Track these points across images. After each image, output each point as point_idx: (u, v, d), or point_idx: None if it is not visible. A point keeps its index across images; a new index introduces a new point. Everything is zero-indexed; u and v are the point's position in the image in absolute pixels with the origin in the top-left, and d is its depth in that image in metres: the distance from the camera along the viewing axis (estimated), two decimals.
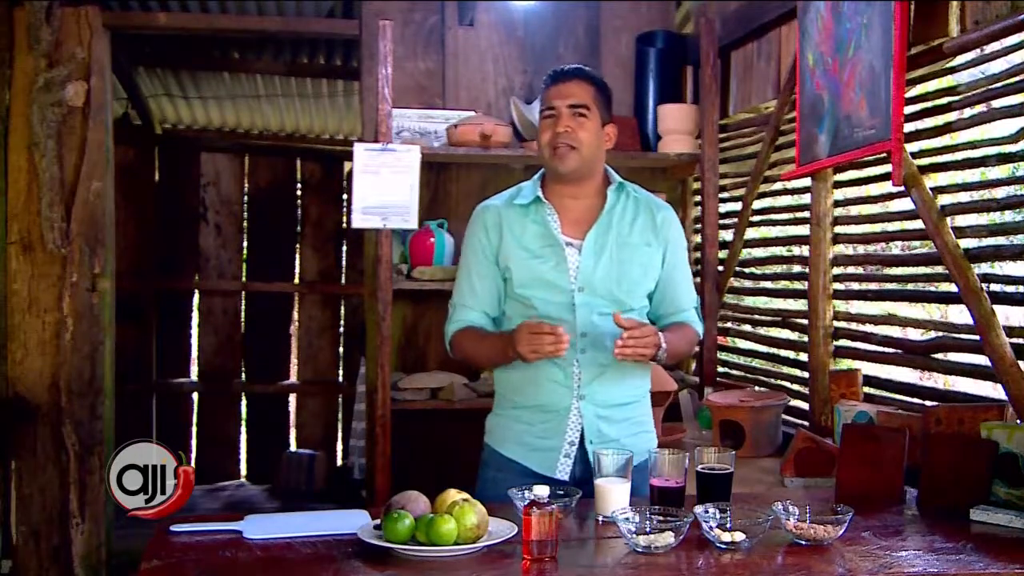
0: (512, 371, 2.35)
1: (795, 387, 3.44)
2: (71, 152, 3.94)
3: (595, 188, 2.39)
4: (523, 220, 2.36)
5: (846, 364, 3.15)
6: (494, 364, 2.40)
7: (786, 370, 3.54)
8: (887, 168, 2.68)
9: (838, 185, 3.11)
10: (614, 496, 1.99)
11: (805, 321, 3.22)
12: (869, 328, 2.99)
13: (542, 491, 1.78)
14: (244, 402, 6.50)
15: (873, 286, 3.03)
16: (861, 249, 3.11)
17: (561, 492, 2.02)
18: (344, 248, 6.53)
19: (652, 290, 2.40)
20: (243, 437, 6.50)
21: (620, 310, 2.27)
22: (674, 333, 2.34)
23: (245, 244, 6.47)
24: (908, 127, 2.65)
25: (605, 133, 2.37)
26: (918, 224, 2.67)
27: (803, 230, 3.33)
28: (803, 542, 1.83)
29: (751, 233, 3.75)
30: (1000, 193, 2.56)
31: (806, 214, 3.23)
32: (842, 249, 3.11)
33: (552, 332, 2.14)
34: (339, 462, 6.36)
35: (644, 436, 2.39)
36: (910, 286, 2.88)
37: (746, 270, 3.82)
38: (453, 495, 1.85)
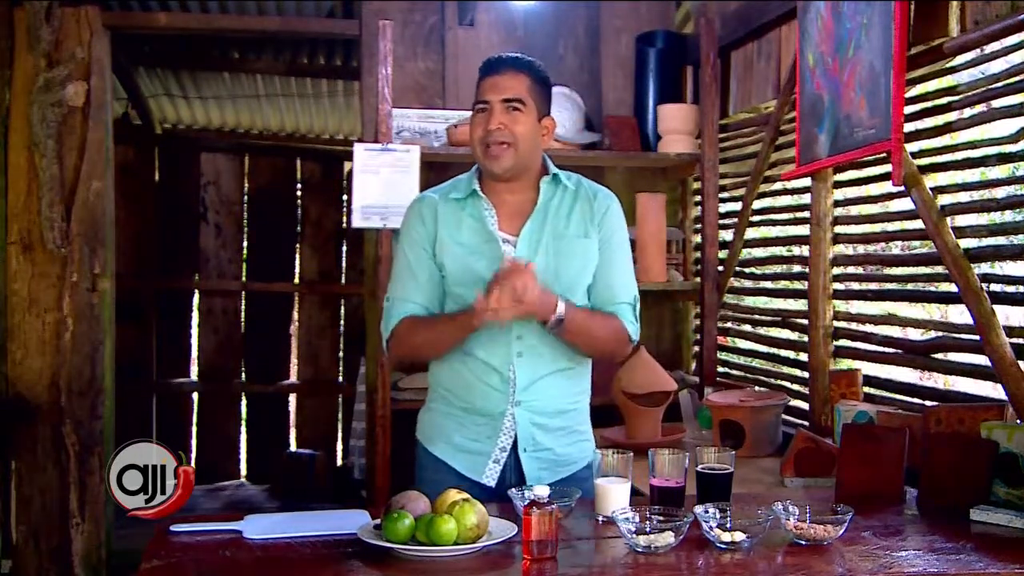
0: (447, 371, 2.26)
1: (795, 387, 3.44)
2: (71, 152, 3.94)
3: (532, 182, 2.27)
4: (459, 214, 2.25)
5: (846, 364, 3.15)
6: (449, 344, 2.22)
7: (786, 370, 3.54)
8: (887, 168, 2.68)
9: (838, 185, 3.11)
10: (614, 496, 1.99)
11: (805, 321, 3.22)
12: (869, 328, 2.99)
13: (542, 491, 1.78)
14: (244, 402, 6.50)
15: (873, 286, 3.03)
16: (861, 249, 3.11)
17: (561, 492, 2.02)
18: (344, 248, 6.53)
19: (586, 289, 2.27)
20: (243, 437, 6.50)
21: None
22: (588, 312, 2.21)
23: (245, 244, 6.47)
24: (908, 127, 2.65)
25: (543, 127, 2.24)
26: (918, 224, 2.67)
27: (803, 230, 3.33)
28: (803, 542, 1.83)
29: (751, 233, 3.75)
30: (1000, 193, 2.56)
31: (806, 214, 3.23)
32: (842, 249, 3.11)
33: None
34: (339, 462, 6.36)
35: (581, 444, 2.29)
36: (910, 286, 2.87)
37: (746, 270, 3.82)
38: (453, 495, 1.84)
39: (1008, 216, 2.78)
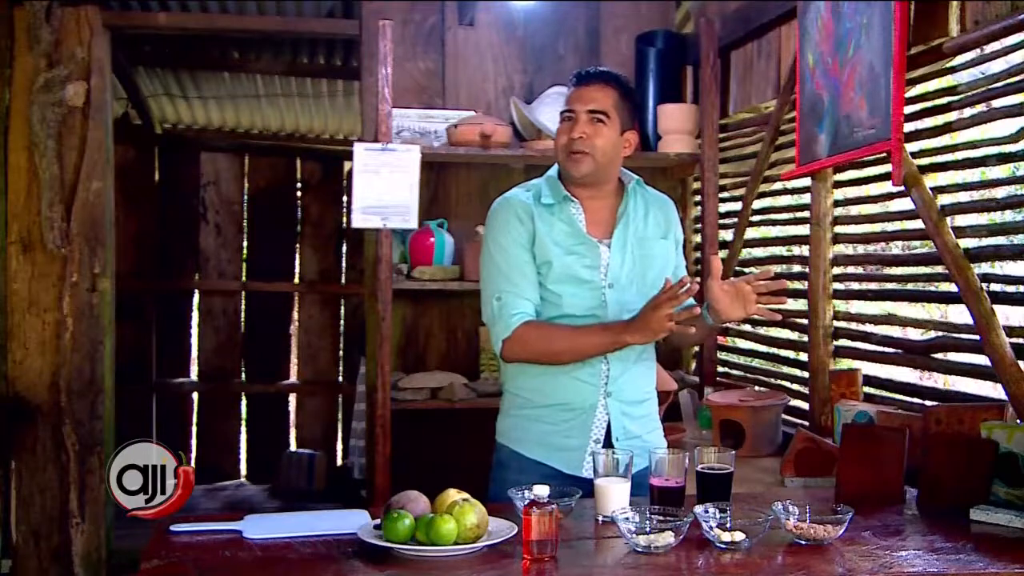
0: (531, 371, 2.33)
1: (795, 387, 3.44)
2: (71, 152, 3.94)
3: (613, 189, 2.40)
4: (551, 218, 2.34)
5: (846, 364, 3.15)
6: (593, 354, 2.28)
7: (786, 370, 3.54)
8: (887, 168, 2.68)
9: (838, 185, 3.11)
10: (614, 496, 1.99)
11: (805, 321, 3.22)
12: (869, 328, 2.99)
13: (542, 491, 1.78)
14: (244, 402, 6.50)
15: (873, 286, 3.03)
16: (861, 249, 3.11)
17: (561, 492, 2.02)
18: (344, 248, 6.53)
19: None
20: (243, 437, 6.51)
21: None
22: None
23: (245, 244, 6.47)
24: (908, 127, 2.65)
25: (624, 139, 2.35)
26: (918, 224, 2.67)
27: (803, 230, 3.33)
28: (803, 542, 1.83)
29: (751, 233, 3.75)
30: (1000, 193, 2.56)
31: (806, 214, 3.23)
32: (842, 249, 3.11)
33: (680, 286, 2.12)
34: (339, 462, 6.36)
35: (658, 432, 2.45)
36: (910, 286, 2.87)
37: (746, 270, 3.82)
38: (453, 495, 1.85)
39: (1008, 216, 2.78)
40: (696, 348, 4.13)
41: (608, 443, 2.29)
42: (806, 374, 3.21)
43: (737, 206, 3.78)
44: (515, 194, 2.40)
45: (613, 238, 2.34)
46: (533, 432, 2.34)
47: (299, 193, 6.52)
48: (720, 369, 3.85)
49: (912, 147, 2.67)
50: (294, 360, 6.57)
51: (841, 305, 3.18)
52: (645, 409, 2.41)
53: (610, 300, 2.30)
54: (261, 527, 1.93)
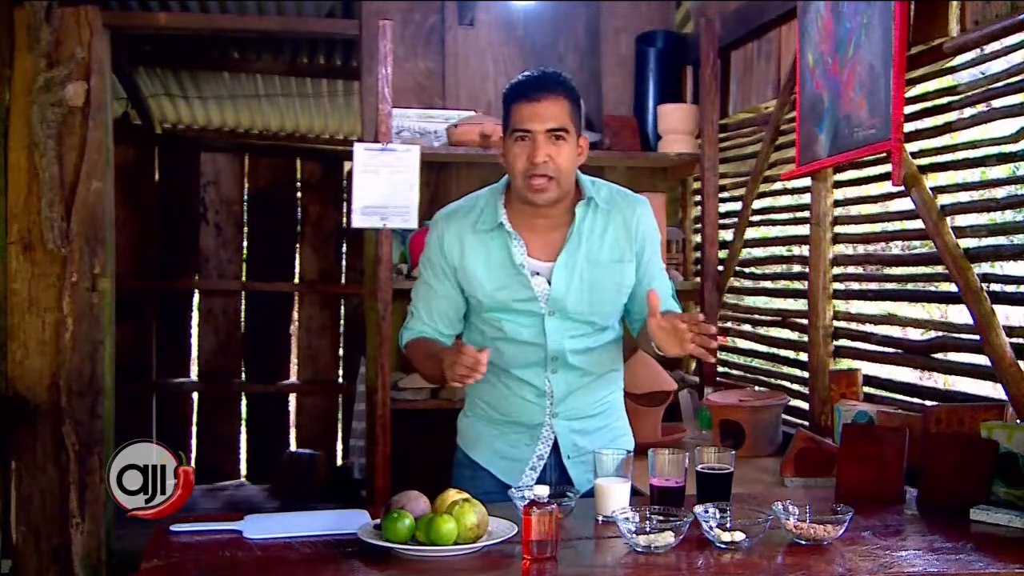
0: (483, 384, 2.23)
1: (795, 387, 3.44)
2: (71, 152, 3.94)
3: (567, 206, 2.21)
4: (487, 245, 2.22)
5: (846, 364, 3.15)
6: (433, 380, 2.28)
7: (786, 370, 3.54)
8: (887, 168, 2.68)
9: (838, 185, 3.11)
10: (614, 496, 1.99)
11: (805, 321, 3.22)
12: (869, 328, 2.99)
13: (542, 491, 1.78)
14: (244, 402, 6.50)
15: (873, 286, 3.03)
16: (861, 249, 3.11)
17: (561, 492, 2.02)
18: (344, 248, 6.53)
19: (626, 301, 2.29)
20: (243, 437, 6.51)
21: (592, 331, 2.24)
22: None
23: (245, 244, 6.47)
24: (908, 127, 2.65)
25: (579, 147, 2.18)
26: (918, 224, 2.67)
27: (803, 230, 3.33)
28: (803, 542, 1.83)
29: (751, 233, 3.75)
30: (1000, 193, 2.56)
31: (806, 214, 3.23)
32: (842, 249, 3.11)
33: (474, 359, 1.98)
34: (339, 462, 6.36)
35: (620, 440, 2.35)
36: (910, 286, 2.87)
37: (746, 270, 3.82)
38: (453, 495, 1.85)
39: (1008, 216, 2.78)
40: None
41: (559, 458, 2.27)
42: (806, 374, 3.21)
43: (737, 206, 3.78)
44: (453, 215, 2.28)
45: (558, 263, 2.18)
46: (482, 435, 2.33)
47: (299, 193, 6.52)
48: (720, 369, 3.85)
49: (912, 147, 2.67)
50: (294, 360, 6.57)
51: (841, 305, 3.18)
52: (601, 422, 2.32)
53: (550, 329, 2.19)
54: (261, 527, 1.93)
